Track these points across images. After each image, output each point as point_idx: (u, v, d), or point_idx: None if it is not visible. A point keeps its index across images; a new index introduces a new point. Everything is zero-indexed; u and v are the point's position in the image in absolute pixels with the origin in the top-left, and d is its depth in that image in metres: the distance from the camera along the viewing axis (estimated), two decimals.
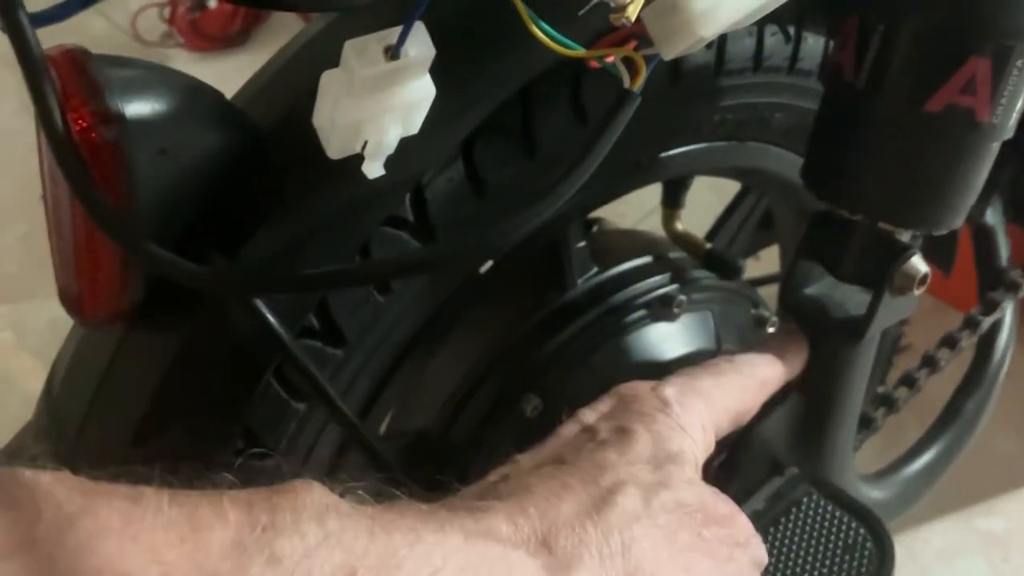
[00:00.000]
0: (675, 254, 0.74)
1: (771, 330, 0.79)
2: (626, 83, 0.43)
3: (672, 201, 0.78)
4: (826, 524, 0.64)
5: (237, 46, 1.97)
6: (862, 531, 0.63)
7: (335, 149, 0.38)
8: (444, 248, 0.48)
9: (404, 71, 0.36)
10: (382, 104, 0.36)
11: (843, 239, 0.60)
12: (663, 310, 0.69)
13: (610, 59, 0.43)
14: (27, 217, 2.11)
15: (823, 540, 0.63)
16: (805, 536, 0.63)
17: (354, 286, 0.48)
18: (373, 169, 0.38)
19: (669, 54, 0.42)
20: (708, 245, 0.75)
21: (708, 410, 0.53)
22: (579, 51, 0.42)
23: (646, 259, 0.71)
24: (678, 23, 0.40)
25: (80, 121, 0.41)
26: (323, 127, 0.37)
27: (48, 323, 1.83)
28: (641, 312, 0.69)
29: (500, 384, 0.66)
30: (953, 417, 0.87)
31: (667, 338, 0.70)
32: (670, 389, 0.52)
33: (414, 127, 0.38)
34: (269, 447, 0.52)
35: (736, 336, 0.75)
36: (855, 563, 0.62)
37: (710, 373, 0.56)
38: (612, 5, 0.36)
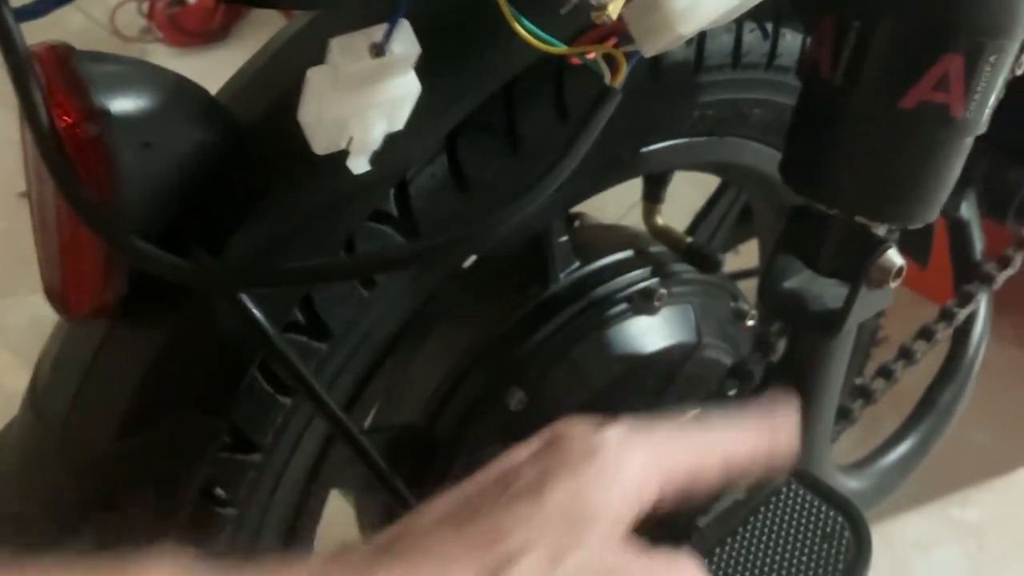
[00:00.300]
0: (655, 248, 0.75)
1: (750, 323, 0.81)
2: (607, 79, 0.44)
3: (652, 196, 0.79)
4: (805, 513, 0.65)
5: (217, 41, 1.96)
6: (840, 520, 0.64)
7: (321, 145, 0.38)
8: (427, 243, 0.48)
9: (389, 68, 0.36)
10: (367, 100, 0.36)
11: (820, 233, 0.61)
12: (644, 304, 0.70)
13: (591, 56, 0.44)
14: (7, 214, 2.09)
15: (802, 529, 0.64)
16: (784, 525, 0.64)
17: (337, 281, 0.49)
18: (358, 164, 0.39)
19: (649, 51, 0.42)
20: (688, 239, 0.76)
21: (653, 463, 0.46)
22: (561, 48, 0.42)
23: (627, 253, 0.72)
24: (658, 20, 0.41)
25: (65, 117, 0.41)
26: (309, 123, 0.38)
27: (29, 320, 1.82)
28: (623, 306, 0.70)
29: (484, 378, 0.67)
30: (929, 408, 0.88)
31: (648, 331, 0.71)
32: (613, 434, 0.46)
33: (399, 123, 0.39)
34: (255, 442, 0.52)
35: (716, 329, 0.76)
36: (833, 552, 0.63)
37: (672, 427, 0.49)
38: (594, 3, 0.36)
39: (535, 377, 0.67)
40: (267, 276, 0.44)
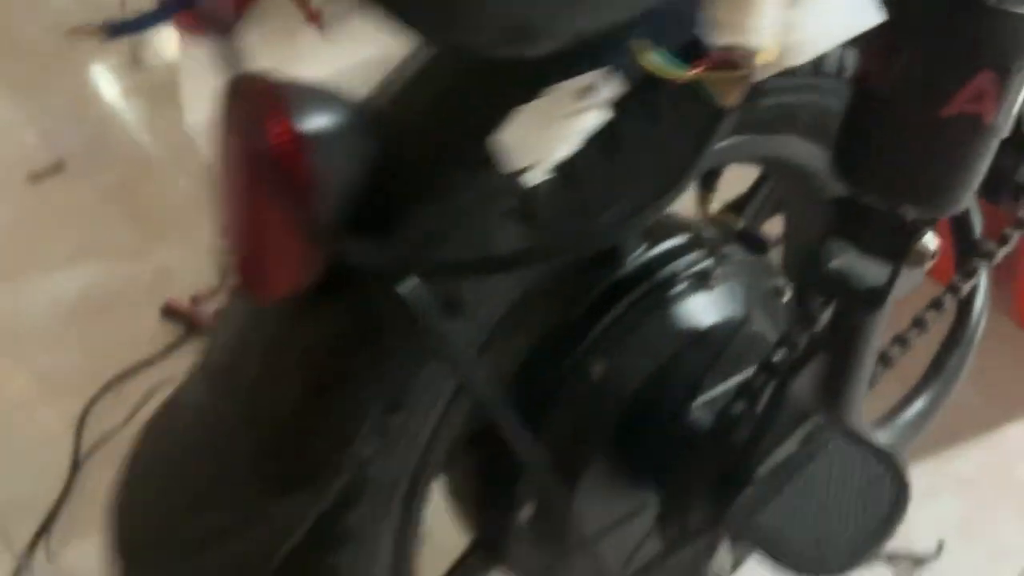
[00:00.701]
0: (709, 232, 0.84)
1: (785, 299, 0.90)
2: (719, 100, 0.52)
3: (707, 186, 0.88)
4: (850, 462, 0.75)
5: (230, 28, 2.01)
6: (880, 467, 0.74)
7: (513, 163, 0.46)
8: (571, 237, 0.57)
9: (594, 108, 0.44)
10: (566, 132, 0.45)
11: (868, 220, 0.71)
12: (702, 282, 0.80)
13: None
14: (13, 199, 2.13)
15: (848, 476, 0.74)
16: (833, 473, 0.74)
17: (502, 271, 0.57)
18: (535, 177, 0.47)
19: (759, 78, 0.51)
20: (740, 224, 0.86)
21: None
22: (685, 75, 0.51)
23: (685, 237, 0.81)
24: (743, 56, 0.49)
25: (280, 137, 0.49)
26: (508, 146, 0.46)
27: (40, 303, 1.87)
28: (684, 284, 0.79)
29: (568, 351, 0.76)
30: (938, 371, 0.99)
31: (706, 307, 0.80)
32: None
33: (578, 145, 0.47)
34: (402, 405, 0.61)
35: (760, 305, 0.85)
36: (875, 495, 0.73)
37: None
38: (739, 54, 0.45)
39: (612, 350, 0.76)
40: (459, 266, 0.52)
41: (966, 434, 1.28)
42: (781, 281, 0.89)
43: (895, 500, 0.72)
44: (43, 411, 1.66)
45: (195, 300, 1.77)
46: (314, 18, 1.95)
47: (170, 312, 1.74)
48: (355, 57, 1.88)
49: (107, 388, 1.66)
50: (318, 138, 0.51)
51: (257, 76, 0.51)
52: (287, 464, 0.58)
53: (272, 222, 0.52)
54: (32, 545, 1.48)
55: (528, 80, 0.52)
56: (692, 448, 0.78)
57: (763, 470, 0.75)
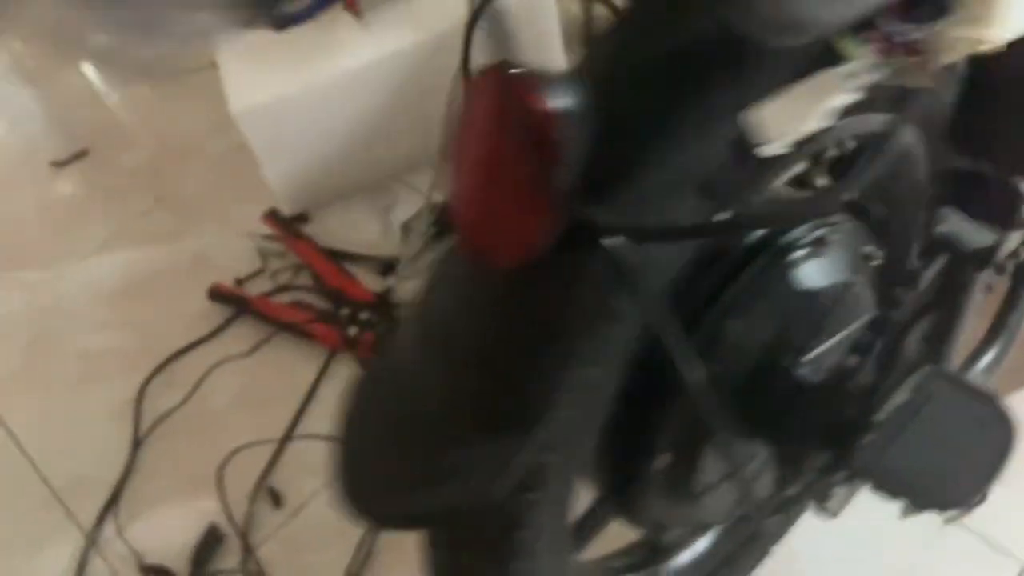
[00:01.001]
0: None
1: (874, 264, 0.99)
2: (908, 82, 0.60)
3: (816, 161, 0.95)
4: (958, 407, 0.83)
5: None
6: (987, 411, 0.82)
7: (764, 139, 0.53)
8: (756, 215, 0.64)
9: (850, 93, 0.51)
10: (822, 110, 0.52)
11: (979, 189, 0.79)
12: (818, 248, 0.87)
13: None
14: (39, 183, 2.14)
15: (958, 419, 0.82)
16: (944, 418, 0.83)
17: (714, 236, 0.64)
18: (772, 150, 0.54)
19: (943, 63, 0.59)
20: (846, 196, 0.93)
21: None
22: (879, 59, 0.58)
23: None
24: (963, 43, 0.57)
25: (539, 114, 0.56)
26: (766, 119, 0.52)
27: (81, 285, 1.89)
28: (802, 251, 0.87)
29: (705, 312, 0.83)
30: (1001, 328, 1.08)
31: (820, 271, 0.88)
32: None
33: (825, 123, 0.54)
34: (595, 361, 0.67)
35: (859, 269, 0.93)
36: (984, 434, 0.81)
37: None
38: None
39: (744, 311, 0.83)
40: (662, 231, 0.59)
41: (1002, 388, 1.38)
42: (871, 247, 0.97)
43: (1004, 441, 0.80)
44: (99, 392, 1.69)
45: (239, 282, 1.81)
46: (352, 6, 2.00)
47: (217, 294, 1.78)
48: (391, 46, 1.94)
49: (161, 368, 1.71)
50: (565, 114, 0.57)
51: (512, 62, 0.57)
52: (503, 414, 0.65)
53: (518, 193, 0.58)
54: (99, 521, 1.52)
55: (726, 62, 0.59)
56: (814, 398, 0.86)
57: (880, 417, 0.83)
